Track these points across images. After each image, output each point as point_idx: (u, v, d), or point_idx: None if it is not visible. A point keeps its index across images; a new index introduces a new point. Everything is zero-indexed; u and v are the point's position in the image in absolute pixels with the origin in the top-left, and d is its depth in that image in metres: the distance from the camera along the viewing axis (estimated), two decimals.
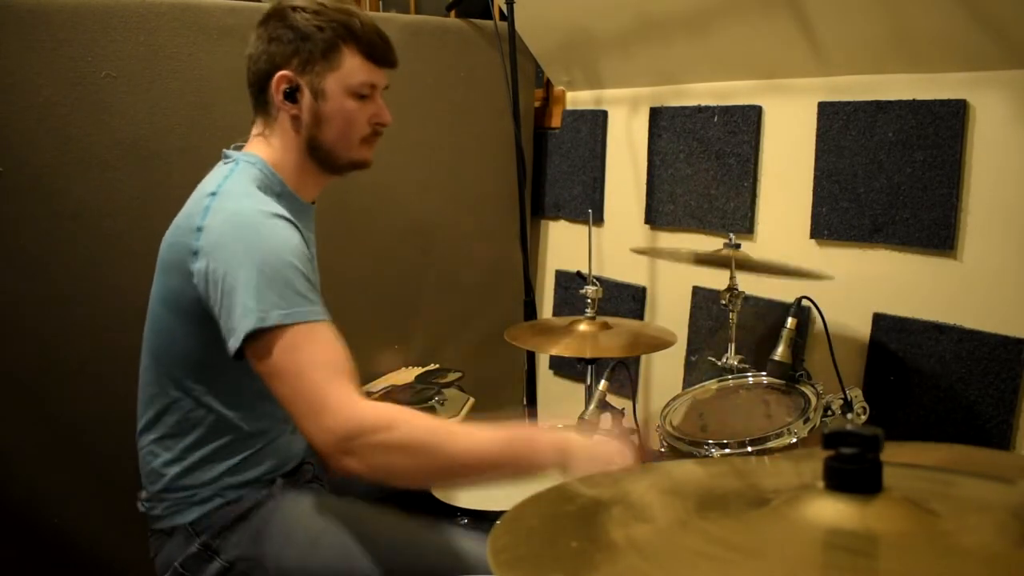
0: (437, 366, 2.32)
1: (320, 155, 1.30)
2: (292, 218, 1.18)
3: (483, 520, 1.38)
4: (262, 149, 1.28)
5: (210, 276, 1.12)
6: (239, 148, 1.31)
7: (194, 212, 1.18)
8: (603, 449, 1.09)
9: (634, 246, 2.30)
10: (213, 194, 1.18)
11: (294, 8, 1.24)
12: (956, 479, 0.68)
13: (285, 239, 1.14)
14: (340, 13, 1.26)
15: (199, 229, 1.14)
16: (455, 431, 1.09)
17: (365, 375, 2.20)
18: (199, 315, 1.16)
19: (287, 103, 1.25)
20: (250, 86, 1.29)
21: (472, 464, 1.07)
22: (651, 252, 2.08)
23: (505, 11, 2.15)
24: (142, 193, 1.77)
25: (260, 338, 1.08)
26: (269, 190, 1.24)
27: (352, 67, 1.27)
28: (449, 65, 2.30)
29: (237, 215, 1.15)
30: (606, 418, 1.53)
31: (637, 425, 1.94)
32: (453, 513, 1.41)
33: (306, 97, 1.25)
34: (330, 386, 1.06)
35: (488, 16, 2.29)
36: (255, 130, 1.31)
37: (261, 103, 1.28)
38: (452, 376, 2.21)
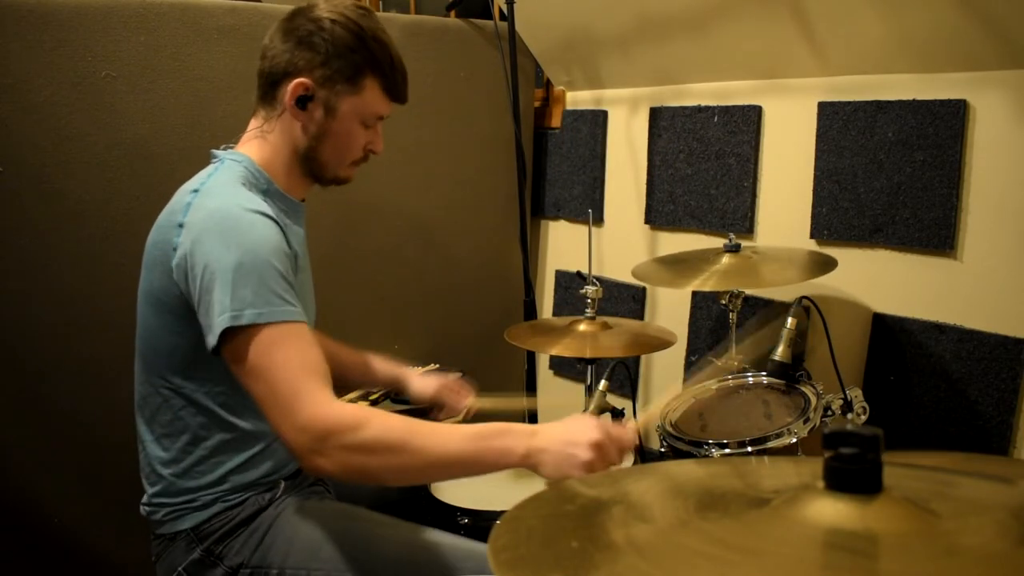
0: (437, 366, 2.32)
1: (311, 165, 1.30)
2: (277, 215, 1.18)
3: (483, 520, 1.38)
4: (254, 148, 1.28)
5: (190, 272, 1.12)
6: (228, 148, 1.30)
7: (176, 209, 1.18)
8: (570, 449, 1.06)
9: (634, 252, 2.31)
10: (196, 191, 1.18)
11: (333, 20, 1.23)
12: (956, 479, 0.68)
13: (265, 237, 1.13)
14: (376, 43, 1.26)
15: (180, 226, 1.14)
16: (425, 429, 1.09)
17: None
18: (183, 312, 1.16)
19: (296, 109, 1.25)
20: (261, 76, 1.28)
21: (443, 462, 1.07)
22: (651, 280, 1.98)
23: (505, 11, 2.15)
24: (142, 193, 1.77)
25: (234, 336, 1.08)
26: (255, 187, 1.23)
27: (371, 98, 1.28)
28: (449, 65, 2.30)
29: (218, 211, 1.14)
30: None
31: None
32: (453, 513, 1.41)
33: (318, 109, 1.25)
34: (303, 386, 1.06)
35: (488, 16, 2.29)
36: (254, 123, 1.30)
37: (268, 97, 1.28)
38: (452, 376, 2.21)
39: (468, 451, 1.07)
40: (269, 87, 1.27)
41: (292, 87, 1.23)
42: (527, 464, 1.07)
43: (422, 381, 1.66)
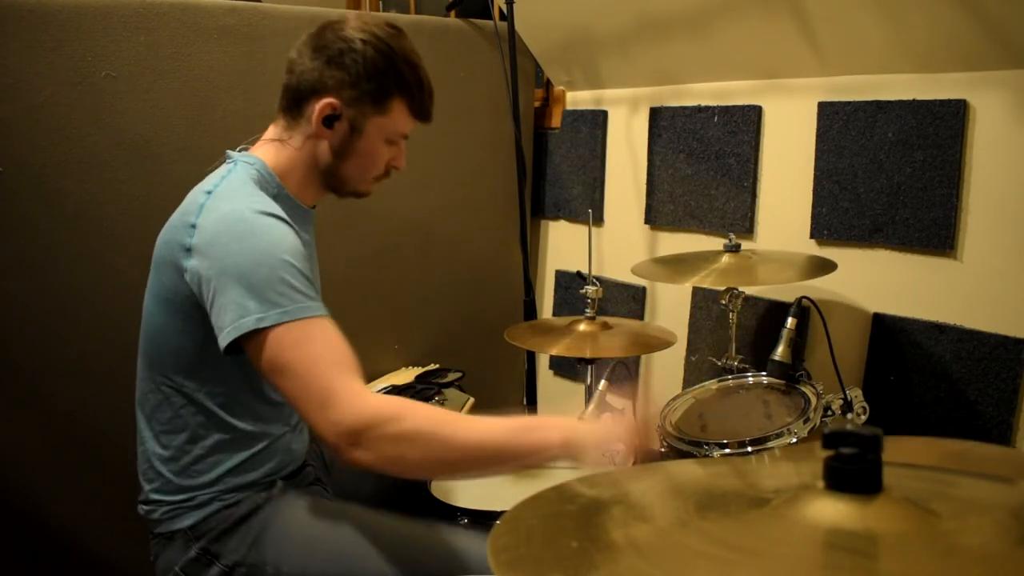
0: (437, 366, 2.32)
1: (332, 180, 1.32)
2: (288, 218, 1.18)
3: (483, 520, 1.38)
4: (271, 153, 1.28)
5: (203, 273, 1.12)
6: (243, 151, 1.31)
7: (189, 210, 1.18)
8: (611, 436, 1.10)
9: (634, 252, 2.31)
10: (209, 192, 1.18)
11: (365, 41, 1.24)
12: (956, 479, 0.68)
13: (280, 237, 1.14)
14: (407, 65, 1.28)
15: (193, 226, 1.15)
16: (463, 420, 1.11)
17: (365, 375, 2.21)
18: (191, 313, 1.16)
19: (323, 127, 1.26)
20: (288, 90, 1.28)
21: (481, 453, 1.07)
22: (651, 276, 1.99)
23: (505, 11, 2.15)
24: (142, 193, 1.77)
25: (260, 337, 1.07)
26: (266, 191, 1.24)
27: (398, 118, 1.30)
28: (449, 65, 2.30)
29: (232, 213, 1.14)
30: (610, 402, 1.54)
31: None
32: (453, 513, 1.41)
33: (343, 128, 1.26)
34: (336, 380, 1.06)
35: (488, 16, 2.29)
36: (272, 133, 1.30)
37: (293, 110, 1.28)
38: (452, 376, 2.21)
39: (506, 442, 1.07)
40: (295, 101, 1.27)
41: (320, 106, 1.24)
42: (565, 455, 1.08)
43: None
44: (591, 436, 1.09)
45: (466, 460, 1.09)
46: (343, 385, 1.06)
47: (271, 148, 1.29)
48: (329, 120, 1.25)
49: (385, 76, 1.25)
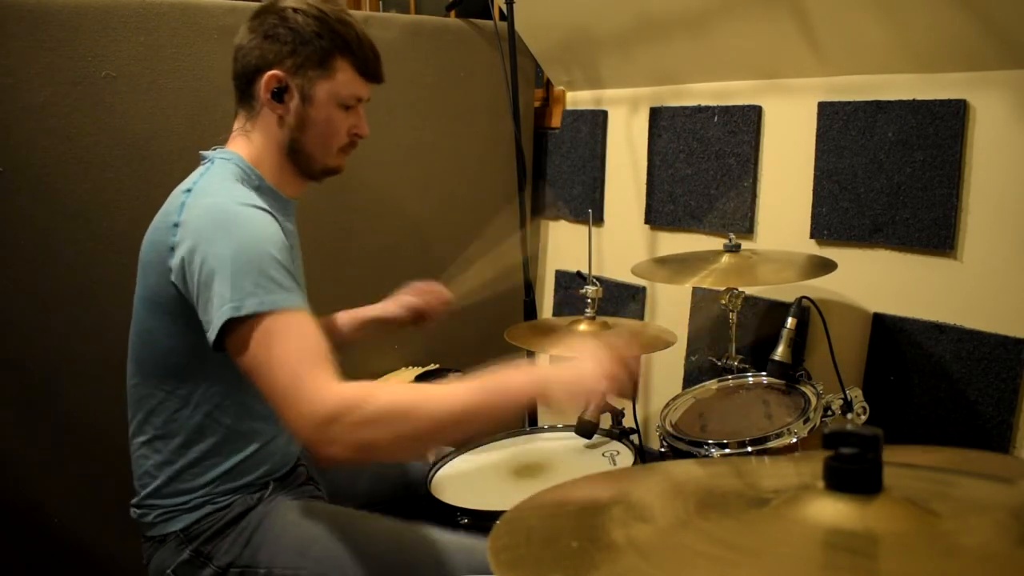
0: (437, 366, 2.32)
1: (298, 158, 1.30)
2: (270, 210, 1.18)
3: (483, 520, 1.38)
4: (242, 146, 1.28)
5: (187, 268, 1.11)
6: (216, 149, 1.31)
7: (170, 210, 1.18)
8: (579, 374, 1.12)
9: (634, 252, 2.31)
10: (188, 191, 1.19)
11: (295, 9, 1.24)
12: (956, 479, 0.68)
13: (261, 227, 1.14)
14: (340, 24, 1.26)
15: (176, 225, 1.15)
16: (427, 390, 1.09)
17: (365, 375, 2.21)
18: (180, 314, 1.16)
19: (273, 102, 1.25)
20: (236, 78, 1.29)
21: (452, 419, 1.07)
22: (651, 276, 1.96)
23: (505, 11, 2.15)
24: (142, 193, 1.77)
25: (237, 329, 1.07)
26: (247, 183, 1.23)
27: (344, 79, 1.28)
28: (449, 65, 2.30)
29: (212, 207, 1.15)
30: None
31: (636, 423, 1.94)
32: (453, 513, 1.41)
33: (294, 99, 1.26)
34: (304, 375, 1.04)
35: (488, 16, 2.29)
36: (237, 124, 1.31)
37: (246, 97, 1.29)
38: (452, 376, 2.21)
39: (475, 402, 1.07)
40: (245, 86, 1.28)
41: (265, 81, 1.24)
42: (535, 397, 1.10)
43: (393, 302, 1.66)
44: (560, 377, 1.11)
45: (439, 429, 1.08)
46: (310, 380, 1.04)
47: (240, 141, 1.29)
48: (279, 94, 1.25)
49: (321, 37, 1.25)
